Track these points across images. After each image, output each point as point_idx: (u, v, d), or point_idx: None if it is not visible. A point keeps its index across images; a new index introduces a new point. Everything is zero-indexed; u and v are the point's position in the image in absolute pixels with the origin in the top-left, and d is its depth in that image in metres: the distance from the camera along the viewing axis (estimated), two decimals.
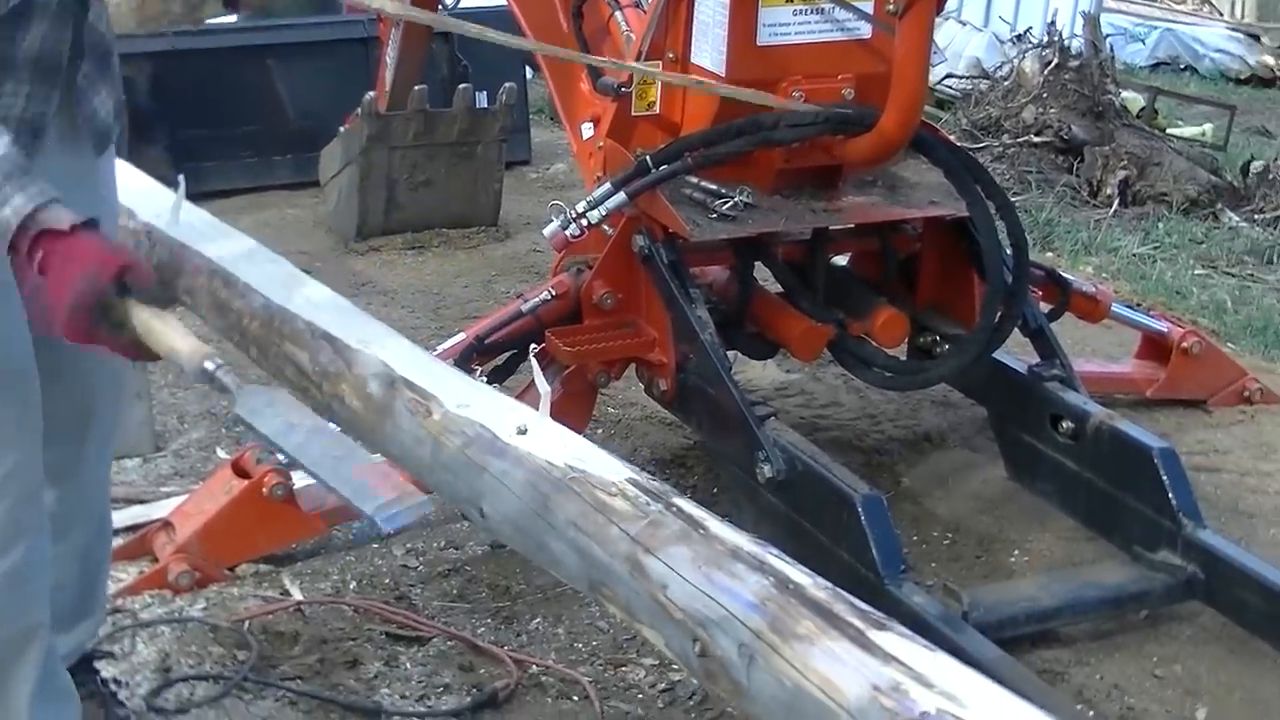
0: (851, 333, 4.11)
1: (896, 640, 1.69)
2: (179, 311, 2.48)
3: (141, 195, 3.29)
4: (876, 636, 1.69)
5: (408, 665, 3.48)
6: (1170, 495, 3.75)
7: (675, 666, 3.45)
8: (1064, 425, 4.03)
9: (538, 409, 2.84)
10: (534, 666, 3.51)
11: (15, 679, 2.61)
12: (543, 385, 2.23)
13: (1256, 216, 7.57)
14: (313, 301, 2.66)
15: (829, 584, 1.80)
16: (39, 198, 2.19)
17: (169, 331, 2.30)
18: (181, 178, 3.21)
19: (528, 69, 7.90)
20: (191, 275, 2.92)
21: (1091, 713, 3.45)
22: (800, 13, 3.90)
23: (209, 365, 2.29)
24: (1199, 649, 3.72)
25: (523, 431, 2.15)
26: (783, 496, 3.66)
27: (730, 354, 3.99)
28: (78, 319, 2.22)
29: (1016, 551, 4.14)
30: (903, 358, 4.28)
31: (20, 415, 2.52)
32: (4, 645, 2.60)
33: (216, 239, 3.02)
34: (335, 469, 2.21)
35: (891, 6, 3.73)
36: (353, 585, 3.81)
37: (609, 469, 2.05)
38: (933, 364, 4.17)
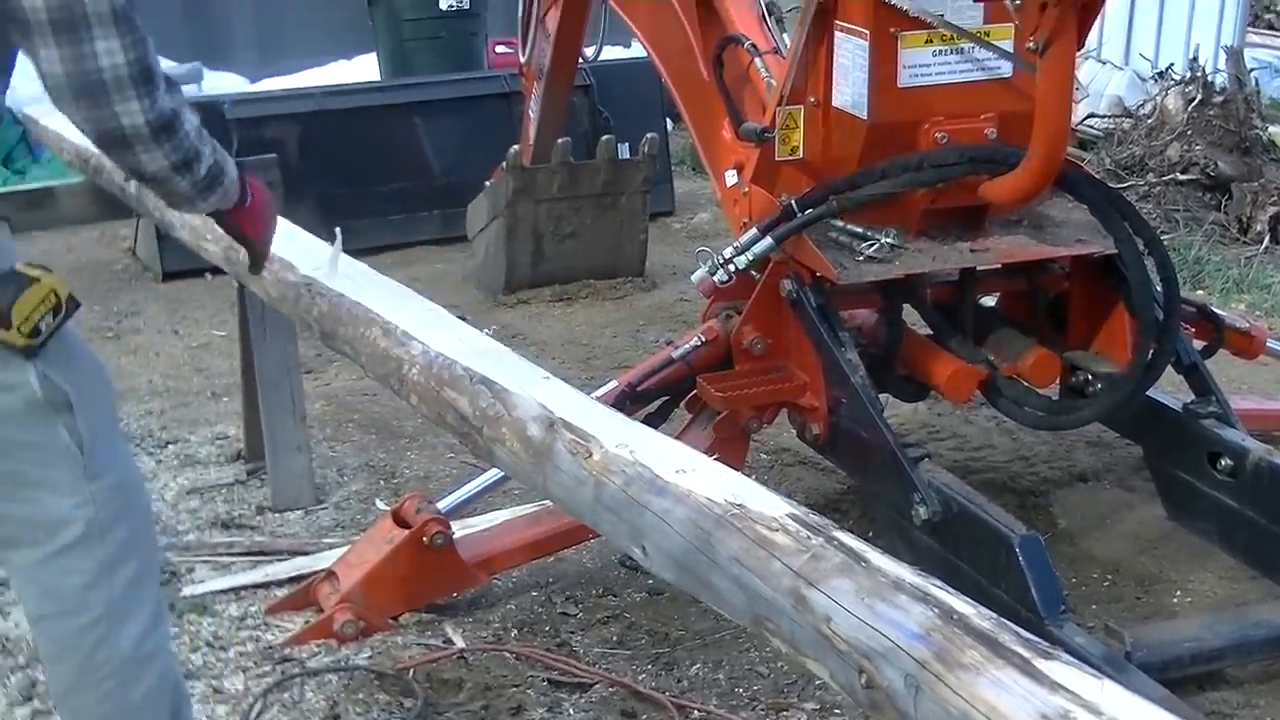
0: (1003, 373, 4.08)
1: (1063, 669, 1.69)
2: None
3: (300, 250, 3.38)
4: (1043, 665, 1.69)
5: (570, 711, 3.51)
6: None
7: (837, 710, 3.46)
8: (1222, 463, 3.97)
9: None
10: (695, 712, 3.51)
11: None
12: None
13: None
14: (470, 347, 2.72)
15: (993, 614, 1.81)
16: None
17: None
18: (338, 231, 3.31)
19: (669, 119, 7.98)
20: (351, 325, 3.01)
21: None
22: (940, 53, 3.90)
23: None
24: None
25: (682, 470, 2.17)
26: (939, 538, 3.65)
27: (881, 396, 3.98)
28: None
29: (1178, 592, 4.09)
30: (1055, 397, 4.24)
31: None
32: None
33: (374, 289, 3.10)
34: None
35: (1032, 44, 3.70)
36: (514, 632, 3.85)
37: (769, 505, 2.07)
38: (1086, 403, 4.12)
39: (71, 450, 2.50)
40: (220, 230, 2.92)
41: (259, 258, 3.03)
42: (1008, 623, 1.79)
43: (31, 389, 2.46)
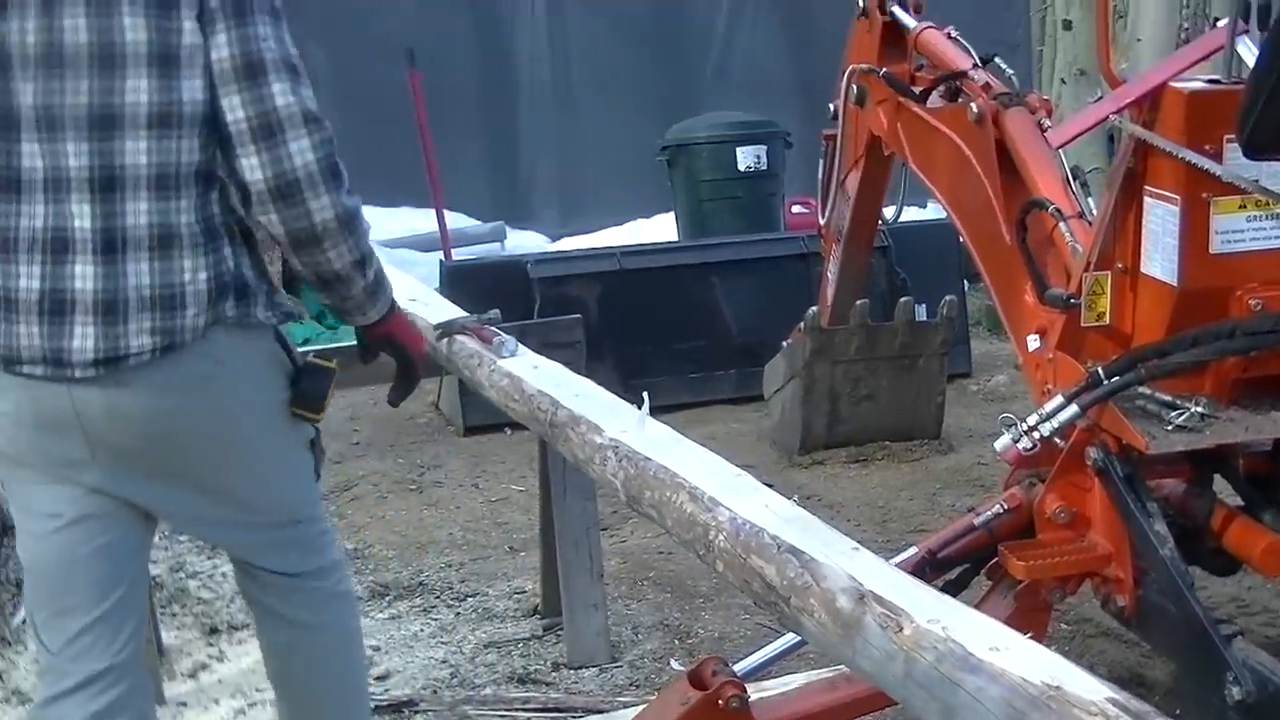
0: None
1: None
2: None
3: (605, 410, 3.43)
4: None
5: None
6: None
7: None
8: None
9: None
10: None
11: None
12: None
13: None
14: (777, 515, 2.72)
15: None
16: None
17: None
18: (645, 395, 3.35)
19: (966, 280, 7.95)
20: (657, 489, 3.03)
21: None
22: (1255, 219, 3.81)
23: None
24: None
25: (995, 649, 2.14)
26: None
27: (1190, 569, 3.86)
28: None
29: None
30: None
31: None
32: None
33: (680, 452, 3.12)
34: None
35: None
36: None
37: (1087, 688, 2.02)
38: None
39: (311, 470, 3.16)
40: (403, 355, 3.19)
41: (413, 372, 3.21)
42: None
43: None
